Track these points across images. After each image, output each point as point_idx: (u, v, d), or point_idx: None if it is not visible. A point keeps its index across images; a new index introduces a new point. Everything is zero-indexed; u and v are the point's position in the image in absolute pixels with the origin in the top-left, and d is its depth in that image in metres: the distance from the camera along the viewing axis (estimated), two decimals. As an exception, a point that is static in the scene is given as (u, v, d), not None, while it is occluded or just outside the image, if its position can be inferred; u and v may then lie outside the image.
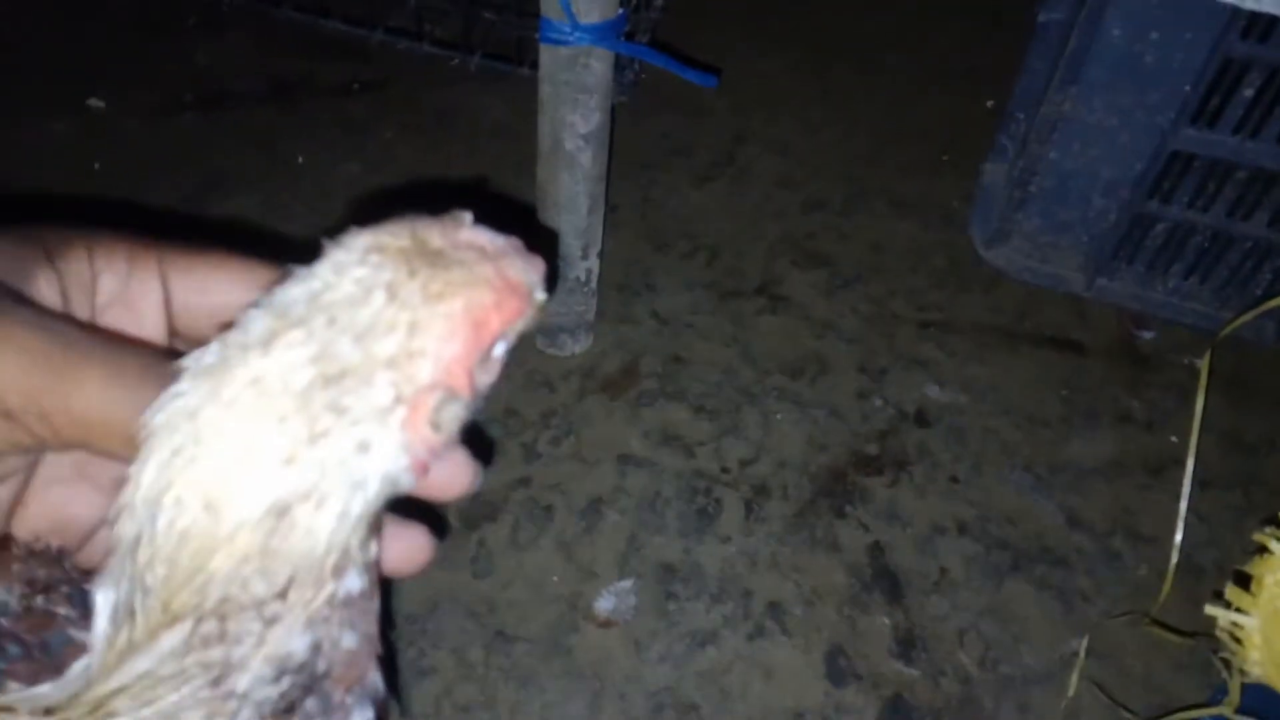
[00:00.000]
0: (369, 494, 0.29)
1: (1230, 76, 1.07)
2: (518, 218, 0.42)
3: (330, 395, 0.28)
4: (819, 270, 1.38)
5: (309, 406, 0.27)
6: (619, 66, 1.17)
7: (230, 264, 0.38)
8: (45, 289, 0.34)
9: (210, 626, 0.29)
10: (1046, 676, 0.98)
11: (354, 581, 0.31)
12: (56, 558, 0.37)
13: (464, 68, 1.70)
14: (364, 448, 0.28)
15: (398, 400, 0.28)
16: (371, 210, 0.31)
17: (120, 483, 0.30)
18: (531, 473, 1.14)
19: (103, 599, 0.31)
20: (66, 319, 0.32)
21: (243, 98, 1.66)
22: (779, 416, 1.20)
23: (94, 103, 1.62)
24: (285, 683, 0.31)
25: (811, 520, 1.10)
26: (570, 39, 0.91)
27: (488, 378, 0.31)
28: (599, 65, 0.95)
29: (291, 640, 0.30)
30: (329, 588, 0.31)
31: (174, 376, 0.29)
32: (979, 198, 1.41)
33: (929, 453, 1.17)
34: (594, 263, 1.16)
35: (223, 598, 0.29)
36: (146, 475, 0.28)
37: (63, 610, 0.36)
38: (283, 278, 0.31)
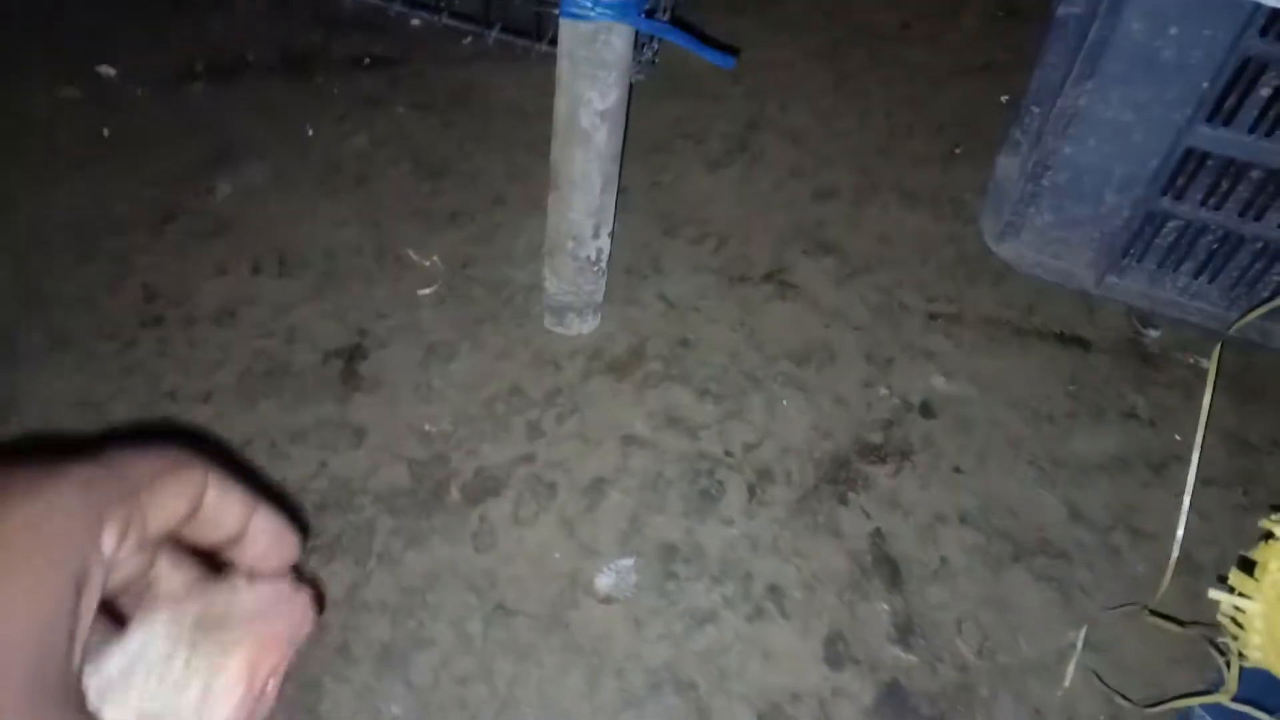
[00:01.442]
0: None
1: (1248, 75, 1.07)
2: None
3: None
4: (828, 259, 1.38)
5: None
6: (637, 45, 1.16)
7: (182, 477, 0.40)
8: (97, 575, 0.34)
9: None
10: (1043, 666, 0.99)
11: None
12: None
13: (478, 46, 1.69)
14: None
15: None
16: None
17: None
18: (535, 450, 1.14)
19: None
20: None
21: (254, 68, 1.65)
22: (784, 402, 1.20)
23: (104, 70, 1.62)
24: None
25: (814, 506, 1.10)
26: (592, 14, 0.90)
27: (264, 708, 0.40)
28: (619, 42, 0.94)
29: None
30: None
31: None
32: (991, 191, 1.41)
33: (933, 443, 1.17)
34: (605, 242, 1.16)
35: None
36: None
37: None
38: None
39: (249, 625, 0.39)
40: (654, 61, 1.61)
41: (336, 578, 1.01)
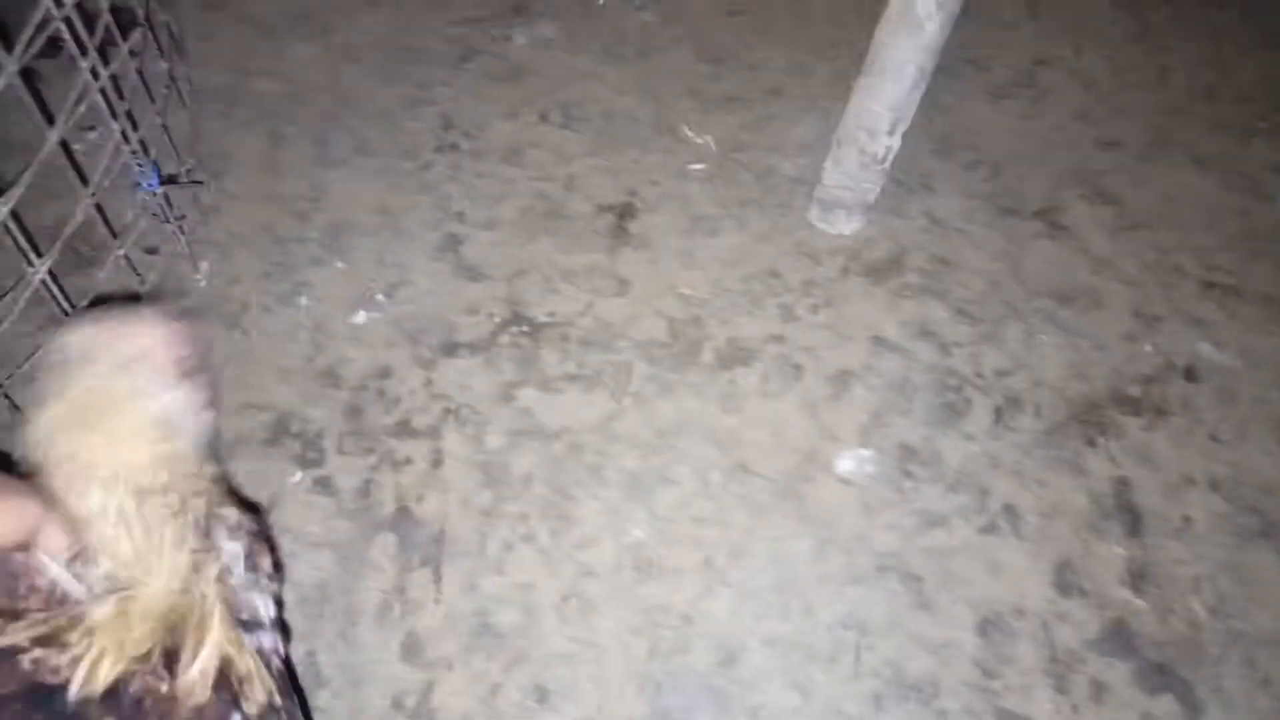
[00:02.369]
0: (186, 419, 0.54)
1: None
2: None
3: (124, 379, 0.51)
4: (1106, 208, 1.33)
5: (114, 390, 0.52)
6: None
7: (9, 500, 0.51)
8: None
9: (174, 498, 0.52)
10: (1278, 641, 0.96)
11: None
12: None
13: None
14: (154, 397, 0.52)
15: (153, 376, 0.53)
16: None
17: None
18: (786, 332, 1.16)
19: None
20: None
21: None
22: (1042, 338, 1.18)
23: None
24: (238, 537, 0.57)
25: (1060, 441, 1.09)
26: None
27: (196, 371, 0.56)
28: (981, -70, 0.93)
29: (224, 511, 0.56)
30: (210, 485, 0.55)
31: None
32: (1295, 170, 1.32)
33: (1192, 407, 1.13)
34: (896, 142, 1.15)
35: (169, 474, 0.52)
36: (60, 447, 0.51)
37: None
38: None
39: (140, 318, 0.55)
40: None
41: (594, 407, 1.07)
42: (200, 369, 0.56)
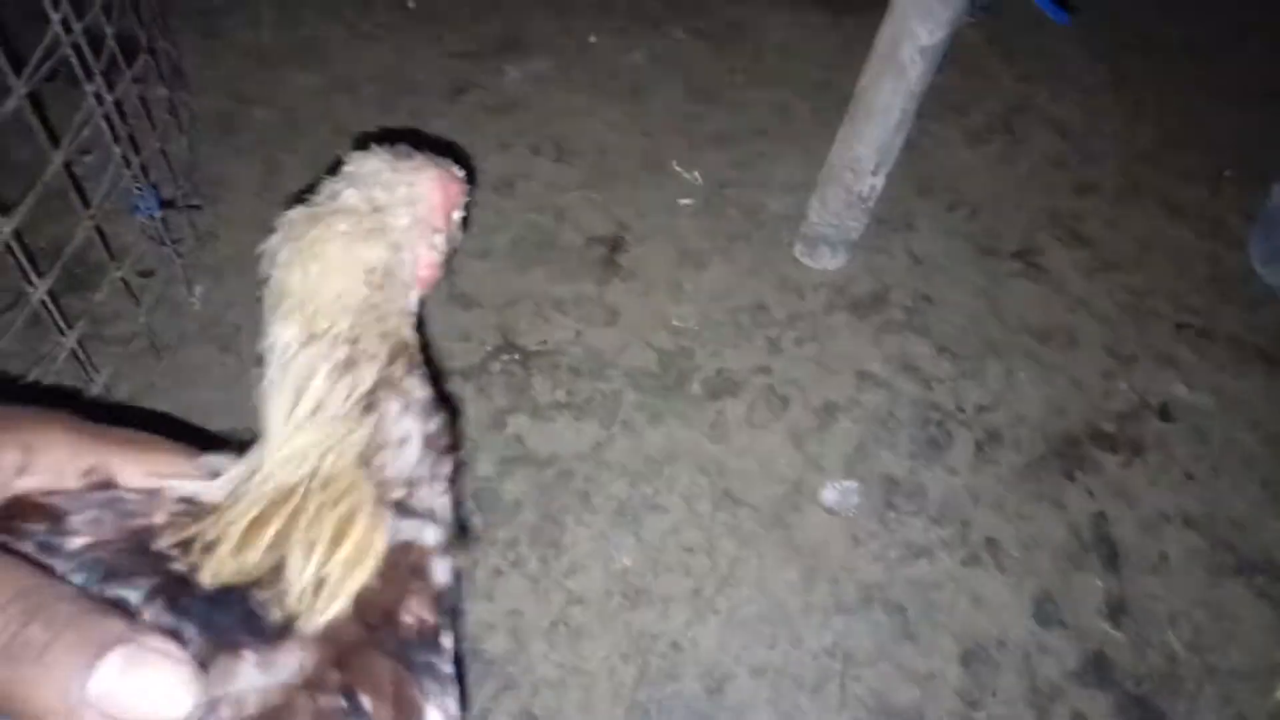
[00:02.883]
0: (414, 278, 0.49)
1: None
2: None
3: (380, 216, 0.47)
4: (1081, 250, 1.37)
5: (371, 218, 0.47)
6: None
7: (164, 458, 0.43)
8: None
9: (342, 350, 0.45)
10: (1253, 675, 0.98)
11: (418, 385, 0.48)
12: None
13: (758, -13, 1.74)
14: (398, 248, 0.48)
15: (414, 222, 0.49)
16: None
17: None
18: (773, 364, 1.19)
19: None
20: None
21: (547, -28, 1.75)
22: (1022, 374, 1.21)
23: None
24: (418, 417, 0.47)
25: (1040, 475, 1.11)
26: (954, -53, 0.93)
27: (455, 231, 0.53)
28: (966, -19, 0.97)
29: (409, 384, 0.47)
30: (412, 353, 0.48)
31: (17, 597, 0.34)
32: (1262, 217, 1.37)
33: (1167, 445, 1.16)
34: (880, 181, 1.19)
35: (350, 329, 0.45)
36: (278, 270, 0.46)
37: None
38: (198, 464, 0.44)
39: (428, 161, 0.51)
40: (986, 8, 1.62)
41: (584, 435, 1.08)
42: (449, 232, 0.52)
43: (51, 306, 0.85)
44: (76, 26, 0.84)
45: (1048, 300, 1.30)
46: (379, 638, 0.42)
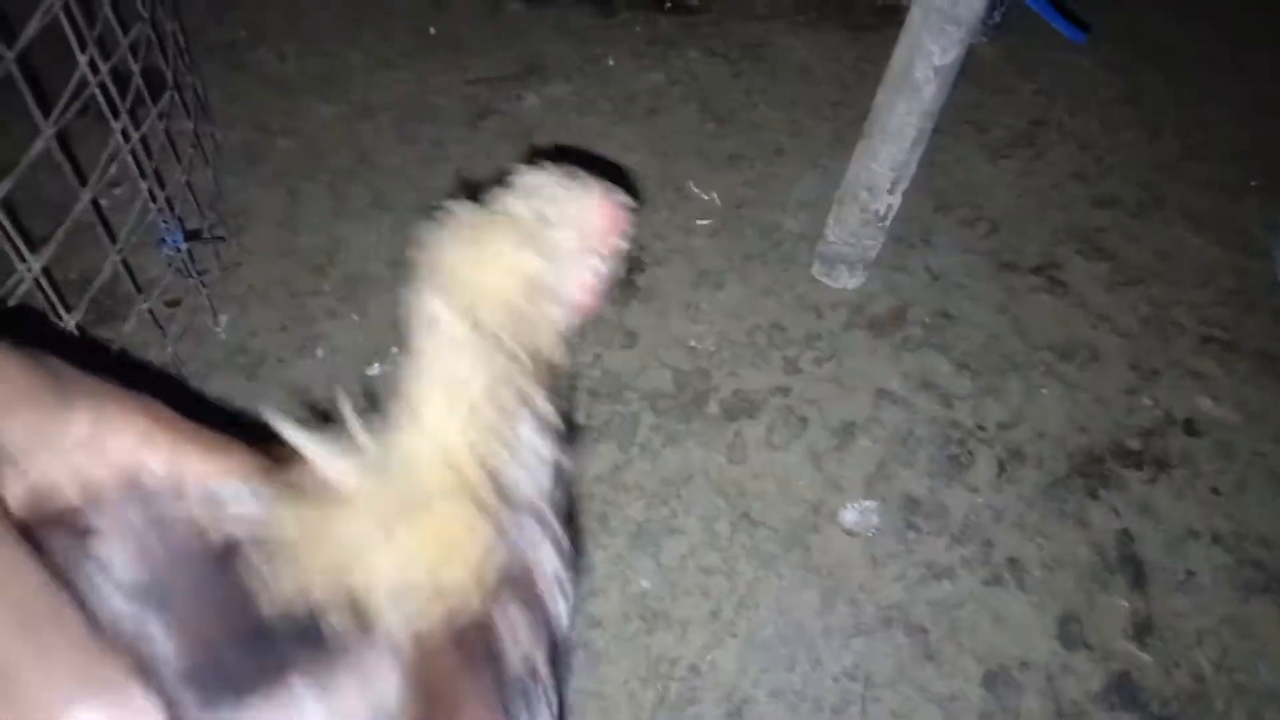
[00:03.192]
0: (569, 300, 0.50)
1: None
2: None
3: (546, 234, 0.48)
4: (1103, 264, 1.36)
5: (537, 237, 0.47)
6: (989, 6, 1.17)
7: (223, 453, 0.43)
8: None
9: (493, 352, 0.45)
10: (1285, 698, 0.96)
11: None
12: None
13: (776, 6, 1.75)
14: (557, 264, 0.48)
15: (573, 242, 0.49)
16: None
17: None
18: (791, 384, 1.19)
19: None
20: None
21: (565, -3, 1.77)
22: (1043, 391, 1.20)
23: (437, -23, 1.76)
24: (549, 438, 0.48)
25: (1063, 494, 1.10)
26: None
27: (613, 258, 0.53)
28: (977, 1, 0.97)
29: (544, 407, 0.47)
30: (556, 374, 0.49)
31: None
32: (1288, 228, 1.36)
33: (1192, 460, 1.15)
34: (897, 200, 1.19)
35: (501, 327, 0.46)
36: (442, 261, 0.47)
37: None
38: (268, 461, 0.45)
39: (597, 184, 0.52)
40: (998, 26, 1.62)
41: (602, 458, 1.09)
42: (608, 259, 0.52)
43: (80, 338, 0.87)
44: (104, 67, 0.86)
45: (1069, 315, 1.29)
46: (476, 667, 0.41)
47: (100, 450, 0.39)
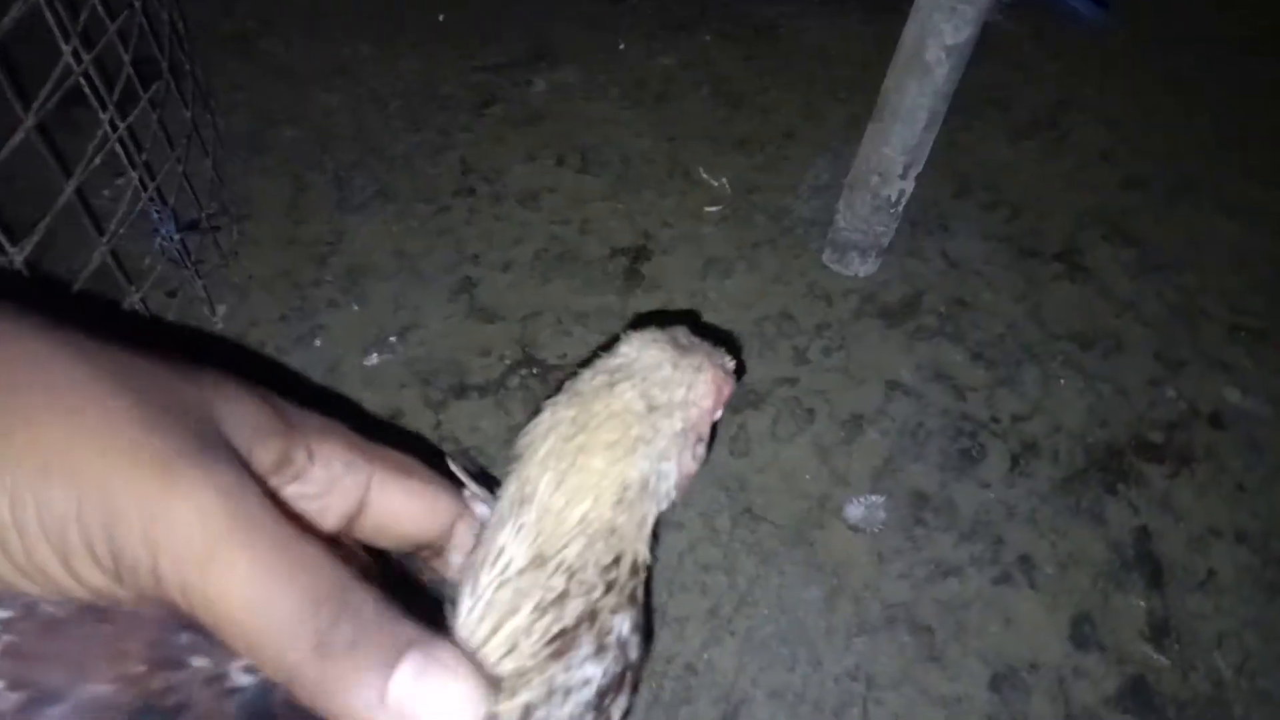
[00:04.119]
0: (668, 492, 0.45)
1: None
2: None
3: (653, 419, 0.43)
4: (1129, 249, 1.31)
5: (643, 423, 0.43)
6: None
7: (424, 487, 0.42)
8: (263, 458, 0.35)
9: (559, 581, 0.40)
10: (1311, 706, 0.92)
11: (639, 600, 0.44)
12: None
13: (791, -13, 1.70)
14: (666, 457, 0.44)
15: (684, 429, 0.44)
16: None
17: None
18: (799, 374, 1.16)
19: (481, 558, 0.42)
20: (254, 485, 0.31)
21: (577, -20, 1.74)
22: (1062, 382, 1.16)
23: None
24: (607, 660, 0.42)
25: (1079, 489, 1.06)
26: (971, -59, 0.89)
27: (710, 435, 0.48)
28: (988, -24, 0.93)
29: (614, 620, 0.41)
30: (638, 578, 0.44)
31: (334, 593, 0.31)
32: (1326, 211, 1.29)
33: (1217, 455, 1.10)
34: (910, 185, 1.15)
35: (577, 557, 0.40)
36: (531, 469, 0.42)
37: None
38: (462, 507, 0.44)
39: (708, 354, 0.47)
40: (1016, 2, 1.57)
41: (601, 449, 1.07)
42: (709, 438, 0.47)
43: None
44: (86, 57, 0.85)
45: (1091, 303, 1.25)
46: None
47: (307, 478, 0.39)
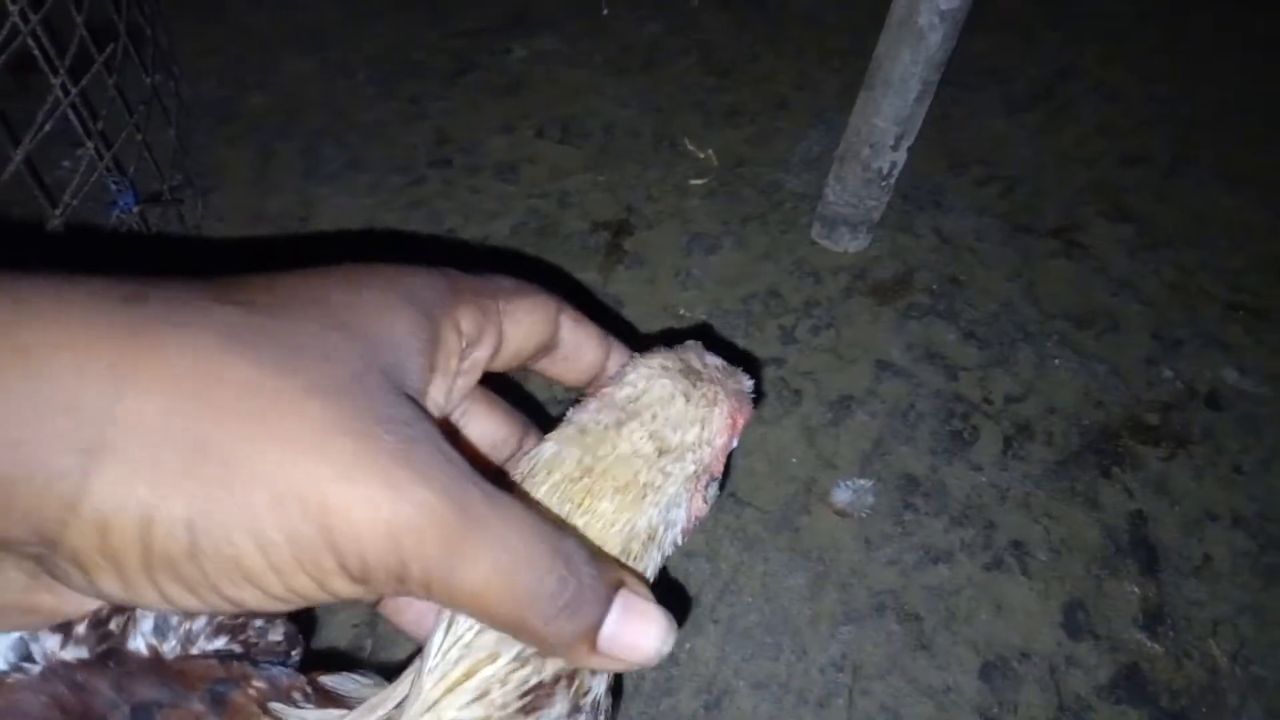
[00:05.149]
0: (674, 540, 0.41)
1: None
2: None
3: (662, 464, 0.39)
4: (1126, 226, 1.27)
5: (653, 469, 0.39)
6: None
7: (537, 300, 0.40)
8: (451, 340, 0.35)
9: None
10: (1308, 695, 0.89)
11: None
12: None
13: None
14: (676, 504, 0.40)
15: (697, 472, 0.40)
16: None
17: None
18: (786, 354, 1.12)
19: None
20: (468, 465, 0.31)
21: (561, -56, 1.68)
22: (1056, 362, 1.12)
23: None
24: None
25: (1074, 472, 1.03)
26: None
27: (723, 469, 0.44)
28: (985, -64, 0.88)
29: (593, 681, 0.38)
30: None
31: (558, 555, 0.31)
32: (1329, 185, 1.26)
33: (1214, 436, 1.07)
34: (902, 156, 1.11)
35: None
36: (541, 492, 0.38)
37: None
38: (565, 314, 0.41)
39: (722, 382, 0.43)
40: None
41: (581, 431, 1.03)
42: (722, 476, 0.44)
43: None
44: (34, 17, 0.81)
45: (1088, 281, 1.21)
46: None
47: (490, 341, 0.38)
